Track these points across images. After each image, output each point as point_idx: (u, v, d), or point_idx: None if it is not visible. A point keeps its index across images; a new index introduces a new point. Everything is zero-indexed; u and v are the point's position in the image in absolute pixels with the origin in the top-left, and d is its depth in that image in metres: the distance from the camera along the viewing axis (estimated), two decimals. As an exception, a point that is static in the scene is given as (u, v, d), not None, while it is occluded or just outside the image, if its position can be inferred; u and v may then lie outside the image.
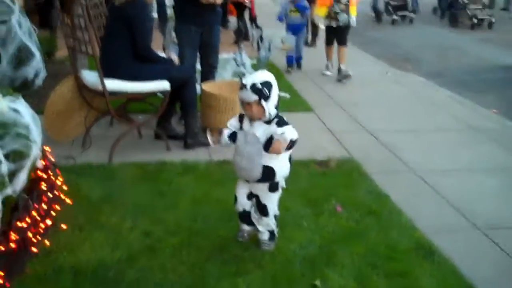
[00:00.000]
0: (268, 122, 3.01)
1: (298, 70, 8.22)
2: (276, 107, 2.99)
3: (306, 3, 7.97)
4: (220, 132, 3.14)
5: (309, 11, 8.13)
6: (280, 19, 8.06)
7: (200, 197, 3.90)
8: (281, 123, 3.00)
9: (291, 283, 2.97)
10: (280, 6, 8.21)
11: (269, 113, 2.95)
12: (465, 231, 3.68)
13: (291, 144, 2.96)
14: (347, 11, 7.39)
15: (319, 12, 7.70)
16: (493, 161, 4.92)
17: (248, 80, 2.94)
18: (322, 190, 4.07)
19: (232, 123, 3.15)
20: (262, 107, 2.92)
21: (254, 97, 2.90)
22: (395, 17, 14.82)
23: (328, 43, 7.94)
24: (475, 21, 13.93)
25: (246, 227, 3.34)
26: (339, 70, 7.68)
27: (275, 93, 2.95)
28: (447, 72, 9.06)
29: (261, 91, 2.89)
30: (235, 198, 3.28)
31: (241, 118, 3.12)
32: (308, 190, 4.08)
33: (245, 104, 2.98)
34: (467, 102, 6.85)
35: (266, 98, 2.90)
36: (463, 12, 14.34)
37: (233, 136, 3.11)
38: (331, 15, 7.46)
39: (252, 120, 3.03)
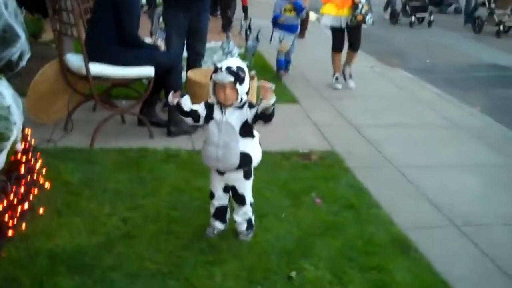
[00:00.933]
0: (240, 107, 3.00)
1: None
2: (247, 93, 2.99)
3: (303, 3, 7.09)
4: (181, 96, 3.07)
5: (305, 12, 7.43)
6: (277, 17, 7.07)
7: (181, 185, 3.90)
8: (253, 105, 3.01)
9: (267, 274, 2.98)
10: (275, 4, 7.19)
11: (241, 97, 2.95)
12: (443, 228, 3.70)
13: (270, 116, 2.96)
14: (370, 8, 6.56)
15: (341, 12, 6.59)
16: (474, 158, 4.95)
17: (223, 64, 2.95)
18: (303, 182, 4.09)
19: (197, 107, 3.07)
20: (236, 90, 2.92)
21: (230, 79, 2.89)
22: (413, 19, 13.90)
23: (339, 48, 6.93)
24: (502, 28, 12.58)
25: (218, 225, 3.33)
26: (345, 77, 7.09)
27: (247, 79, 2.97)
28: (434, 69, 9.11)
29: (237, 73, 2.90)
30: (212, 195, 3.27)
31: (209, 107, 3.06)
32: (288, 181, 4.09)
33: (218, 87, 2.95)
34: (452, 99, 6.88)
35: (242, 81, 2.91)
36: (489, 18, 12.99)
37: (194, 115, 3.06)
38: (356, 17, 6.50)
39: (223, 106, 3.00)
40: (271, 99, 2.87)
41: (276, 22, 7.13)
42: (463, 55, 10.49)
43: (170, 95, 3.09)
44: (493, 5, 12.91)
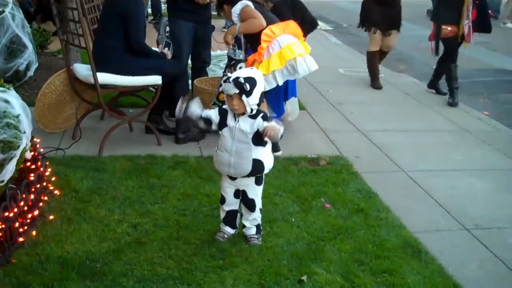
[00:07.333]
0: (253, 116, 3.04)
1: None
2: (258, 105, 3.03)
3: None
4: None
5: None
6: None
7: (189, 191, 3.90)
8: (266, 117, 3.05)
9: (278, 278, 2.97)
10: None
11: (251, 108, 2.99)
12: (453, 231, 3.69)
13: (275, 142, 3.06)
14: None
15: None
16: (483, 162, 4.93)
17: (234, 74, 3.01)
18: (312, 188, 4.09)
19: (210, 114, 3.12)
20: (243, 101, 2.96)
21: (235, 90, 2.94)
22: None
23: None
24: None
25: (228, 230, 3.33)
26: None
27: (258, 90, 2.98)
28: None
29: (242, 85, 2.93)
30: (222, 199, 3.28)
31: (223, 114, 3.11)
32: (297, 187, 4.09)
33: (227, 96, 3.02)
34: (459, 104, 6.86)
35: (247, 93, 2.93)
36: None
37: (207, 121, 3.12)
38: None
39: (236, 115, 3.06)
40: (275, 139, 2.99)
41: None
42: (469, 60, 10.44)
43: (178, 106, 3.14)
44: None
